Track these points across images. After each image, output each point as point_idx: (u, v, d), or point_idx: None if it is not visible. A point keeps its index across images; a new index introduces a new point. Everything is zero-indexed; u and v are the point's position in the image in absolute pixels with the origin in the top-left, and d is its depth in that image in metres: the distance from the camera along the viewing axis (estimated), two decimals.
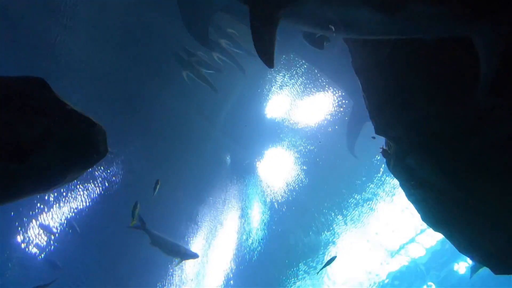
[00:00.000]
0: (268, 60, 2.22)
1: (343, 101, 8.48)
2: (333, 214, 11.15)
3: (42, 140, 2.12)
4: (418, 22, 1.78)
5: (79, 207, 8.74)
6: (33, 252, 8.69)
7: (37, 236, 8.53)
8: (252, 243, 11.20)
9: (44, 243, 8.74)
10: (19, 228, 8.26)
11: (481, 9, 1.64)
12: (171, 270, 10.75)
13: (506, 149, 2.16)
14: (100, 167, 8.52)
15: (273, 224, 10.90)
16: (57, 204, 8.51)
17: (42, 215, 8.42)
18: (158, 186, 5.85)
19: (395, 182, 10.58)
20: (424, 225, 13.26)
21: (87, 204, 8.83)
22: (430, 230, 12.20)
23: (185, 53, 6.44)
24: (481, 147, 2.21)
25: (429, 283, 16.04)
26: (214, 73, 7.01)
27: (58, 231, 8.71)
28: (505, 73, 2.07)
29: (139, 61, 7.39)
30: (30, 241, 8.56)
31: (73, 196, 8.60)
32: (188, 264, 10.69)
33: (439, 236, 13.81)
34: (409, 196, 3.23)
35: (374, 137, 3.90)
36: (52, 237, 8.71)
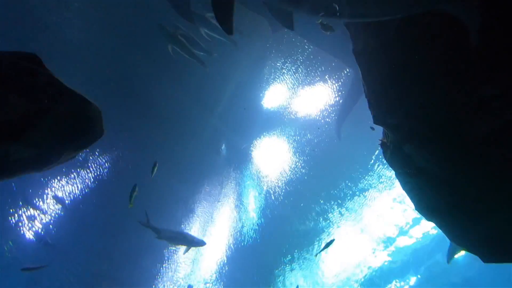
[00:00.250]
0: (227, 26, 2.26)
1: (343, 93, 8.48)
2: (328, 204, 11.29)
3: (36, 117, 2.06)
4: None
5: (75, 190, 8.70)
6: (28, 233, 8.69)
7: (32, 217, 8.51)
8: (247, 230, 11.32)
9: (39, 225, 8.74)
10: (12, 210, 8.23)
11: None
12: (167, 254, 10.85)
13: (503, 138, 2.17)
14: (97, 152, 8.44)
15: (269, 212, 11.00)
16: (52, 186, 8.46)
17: (37, 197, 8.38)
18: (156, 168, 5.84)
19: (390, 174, 10.79)
20: (415, 217, 13.63)
21: (83, 187, 8.79)
22: (421, 223, 12.49)
23: (171, 26, 6.16)
24: (479, 136, 2.22)
25: (418, 275, 16.53)
26: (208, 56, 6.84)
27: (53, 212, 8.69)
28: (502, 64, 2.07)
29: (135, 46, 7.24)
30: (24, 223, 8.54)
31: (69, 178, 8.55)
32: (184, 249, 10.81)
33: (428, 228, 14.19)
34: (405, 184, 3.25)
35: (373, 128, 3.91)
36: (44, 218, 8.69)
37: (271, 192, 10.67)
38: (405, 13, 2.02)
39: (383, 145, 3.56)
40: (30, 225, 8.63)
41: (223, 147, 10.10)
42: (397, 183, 11.04)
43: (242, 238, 11.43)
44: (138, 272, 10.62)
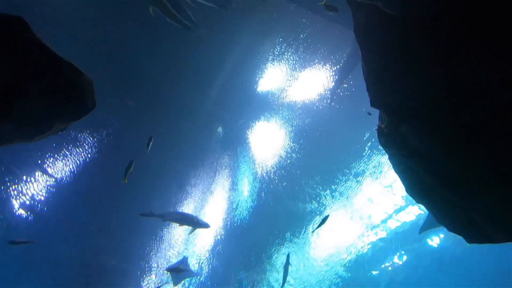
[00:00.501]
0: None
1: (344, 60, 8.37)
2: (321, 187, 11.50)
3: (26, 83, 1.98)
4: None
5: (67, 166, 8.63)
6: (19, 208, 8.66)
7: (21, 192, 8.45)
8: (241, 211, 11.50)
9: (30, 200, 8.70)
10: (8, 184, 8.16)
11: None
12: (161, 232, 11.01)
13: (500, 121, 2.19)
14: (88, 130, 8.30)
15: (263, 194, 11.15)
16: (44, 161, 8.36)
17: (28, 172, 8.30)
18: (151, 143, 5.80)
19: (383, 160, 10.98)
20: (403, 203, 14.06)
21: (76, 163, 8.71)
22: (408, 208, 12.86)
23: None
24: (476, 118, 2.24)
25: (402, 253, 17.32)
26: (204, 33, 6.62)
27: (45, 188, 8.65)
28: (502, 49, 2.06)
29: (129, 20, 6.97)
30: (14, 197, 8.50)
31: (61, 155, 8.44)
32: (180, 228, 10.97)
33: (415, 212, 14.65)
34: (398, 166, 3.30)
35: (369, 113, 3.92)
36: (36, 193, 8.65)
37: (266, 174, 10.78)
38: None
39: (379, 129, 3.58)
40: (21, 200, 8.58)
41: (218, 129, 10.04)
42: (387, 170, 11.34)
43: (236, 218, 11.63)
44: (134, 246, 10.79)
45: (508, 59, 2.14)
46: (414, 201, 4.09)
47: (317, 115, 9.30)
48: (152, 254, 11.15)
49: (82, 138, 8.42)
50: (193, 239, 11.32)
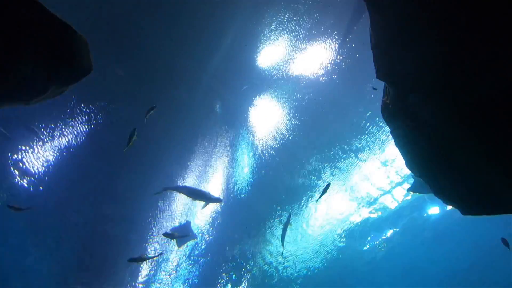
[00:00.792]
0: None
1: (344, 52, 8.25)
2: (320, 163, 11.67)
3: (16, 42, 1.91)
4: None
5: (76, 134, 8.66)
6: (25, 175, 8.80)
7: (22, 162, 8.54)
8: (240, 185, 11.71)
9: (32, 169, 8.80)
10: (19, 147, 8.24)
11: None
12: (164, 204, 11.29)
13: (509, 100, 2.18)
14: (92, 98, 8.22)
15: (262, 169, 11.30)
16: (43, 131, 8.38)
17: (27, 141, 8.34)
18: (152, 112, 5.76)
19: (384, 137, 11.03)
20: (399, 179, 14.37)
21: (75, 133, 8.73)
22: (405, 184, 13.16)
23: None
24: (485, 93, 2.21)
25: (394, 229, 18.05)
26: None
27: (46, 158, 8.73)
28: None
29: None
30: (22, 164, 8.61)
31: (59, 125, 8.44)
32: (179, 201, 11.25)
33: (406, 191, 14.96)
34: (400, 140, 3.33)
35: (375, 88, 3.89)
36: (36, 163, 8.75)
37: (265, 150, 10.85)
38: None
39: (383, 104, 3.57)
40: (24, 166, 8.68)
41: (217, 105, 9.94)
42: (385, 147, 11.45)
43: (235, 192, 11.86)
44: (137, 215, 11.11)
45: None
46: (414, 175, 4.20)
47: (318, 90, 9.21)
48: (155, 224, 11.49)
49: (83, 107, 8.36)
50: (195, 211, 11.61)
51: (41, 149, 8.57)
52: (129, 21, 7.27)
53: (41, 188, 9.13)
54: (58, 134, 8.50)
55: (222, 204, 8.74)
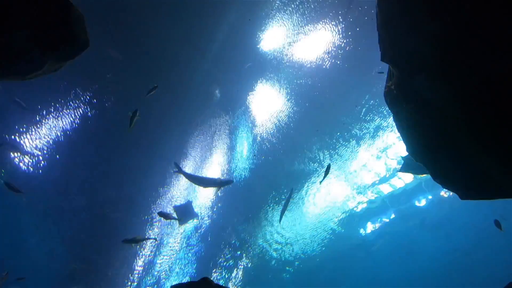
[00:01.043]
0: None
1: (346, 39, 8.12)
2: (320, 150, 11.73)
3: (12, 15, 1.86)
4: None
5: (71, 115, 8.60)
6: (25, 157, 8.80)
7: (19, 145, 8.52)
8: (240, 171, 11.77)
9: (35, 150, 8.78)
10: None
11: None
12: (164, 188, 11.38)
13: None
14: (91, 80, 8.11)
15: (262, 155, 11.34)
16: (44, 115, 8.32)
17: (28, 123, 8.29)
18: (153, 92, 5.71)
19: (385, 124, 11.05)
20: (395, 168, 14.54)
21: (77, 116, 8.68)
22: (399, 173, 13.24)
23: None
24: (492, 74, 2.19)
25: (391, 216, 18.46)
26: None
27: (46, 140, 8.71)
28: None
29: None
30: (24, 146, 8.59)
31: (70, 103, 8.37)
32: (180, 184, 11.34)
33: (405, 179, 15.28)
34: (404, 122, 3.31)
35: (382, 72, 3.86)
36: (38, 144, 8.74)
37: (265, 135, 10.85)
38: None
39: (387, 89, 3.55)
40: (26, 149, 8.67)
41: (216, 90, 9.84)
42: (385, 135, 11.49)
43: (234, 177, 11.93)
44: (138, 199, 11.21)
45: None
46: (414, 160, 4.23)
47: (320, 76, 9.13)
48: (155, 207, 11.61)
49: (81, 90, 8.27)
50: (195, 195, 11.71)
51: (39, 131, 8.53)
52: (127, 5, 7.09)
53: (40, 171, 9.14)
54: (56, 116, 8.44)
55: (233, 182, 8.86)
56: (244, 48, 8.55)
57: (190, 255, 14.86)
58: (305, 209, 14.42)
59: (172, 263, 14.82)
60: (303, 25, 8.00)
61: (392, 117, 3.75)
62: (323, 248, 18.35)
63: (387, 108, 10.50)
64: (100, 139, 9.27)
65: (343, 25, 7.89)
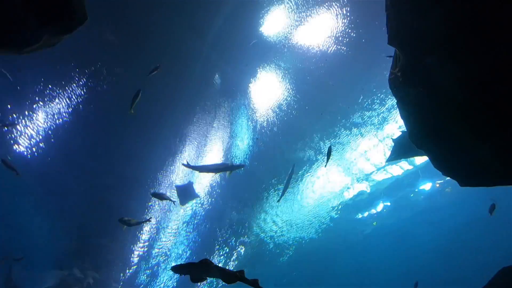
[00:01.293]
0: None
1: (349, 27, 7.99)
2: (320, 137, 11.76)
3: None
4: None
5: (70, 99, 8.51)
6: (28, 141, 8.77)
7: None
8: (240, 159, 11.79)
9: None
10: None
11: None
12: (164, 175, 11.42)
13: None
14: (88, 66, 7.98)
15: (262, 142, 11.34)
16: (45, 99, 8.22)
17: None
18: (155, 72, 5.65)
19: (383, 114, 11.03)
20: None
21: (76, 100, 8.59)
22: (397, 163, 13.42)
23: None
24: (507, 59, 2.16)
25: (386, 203, 18.78)
26: None
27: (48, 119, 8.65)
28: None
29: None
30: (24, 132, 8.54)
31: (69, 90, 8.27)
32: (180, 172, 11.39)
33: (403, 166, 15.47)
34: (409, 106, 3.29)
35: (390, 56, 3.81)
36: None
37: (265, 122, 10.82)
38: None
39: (393, 75, 3.52)
40: (28, 134, 8.62)
41: (216, 77, 9.72)
42: (385, 125, 11.50)
43: (233, 163, 11.96)
44: (138, 185, 11.26)
45: None
46: (416, 146, 4.27)
47: (322, 61, 9.01)
48: (155, 190, 11.66)
49: (78, 72, 8.13)
50: (194, 180, 11.76)
51: (36, 115, 8.44)
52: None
53: (36, 154, 9.10)
54: (52, 99, 8.33)
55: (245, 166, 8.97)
56: (245, 33, 8.39)
57: (189, 239, 15.11)
58: (304, 194, 14.61)
59: (171, 246, 15.08)
60: (306, 8, 7.84)
61: (396, 106, 3.73)
62: (320, 235, 18.73)
63: (388, 97, 10.49)
64: (98, 123, 9.20)
65: (348, 8, 7.73)
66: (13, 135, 8.52)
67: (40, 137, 8.87)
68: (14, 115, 8.26)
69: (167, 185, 11.79)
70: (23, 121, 8.38)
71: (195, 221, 14.19)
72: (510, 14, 2.06)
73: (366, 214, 19.33)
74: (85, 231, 12.22)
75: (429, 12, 2.35)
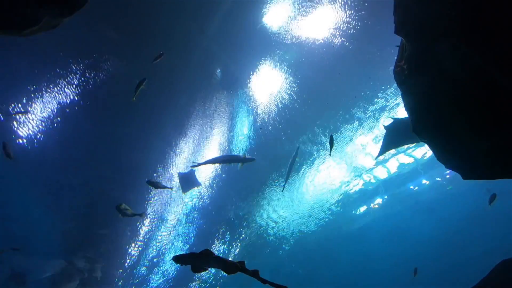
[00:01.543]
0: None
1: (353, 19, 7.86)
2: (321, 131, 11.72)
3: None
4: None
5: (68, 90, 8.43)
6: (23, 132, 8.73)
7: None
8: (240, 152, 11.76)
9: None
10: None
11: None
12: (163, 166, 11.42)
13: None
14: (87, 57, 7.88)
15: (262, 136, 11.31)
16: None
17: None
18: (159, 59, 5.59)
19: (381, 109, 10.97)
20: (392, 153, 14.73)
21: (74, 92, 8.51)
22: (397, 157, 13.54)
23: None
24: None
25: (385, 196, 18.90)
26: None
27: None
28: None
29: None
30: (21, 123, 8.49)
31: (71, 80, 8.19)
32: (182, 166, 11.41)
33: (402, 161, 15.55)
34: (416, 96, 3.23)
35: (398, 46, 3.73)
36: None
37: (266, 115, 10.77)
38: None
39: (399, 68, 3.46)
40: (24, 126, 8.57)
41: (217, 69, 9.62)
42: (384, 118, 11.45)
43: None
44: (137, 177, 11.26)
45: None
46: (419, 138, 4.22)
47: (325, 55, 8.91)
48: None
49: (77, 64, 8.04)
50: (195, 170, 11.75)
51: (36, 102, 8.37)
52: None
53: (35, 145, 9.06)
54: (51, 89, 8.26)
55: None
56: (247, 24, 8.26)
57: (189, 231, 15.20)
58: (304, 187, 14.66)
59: (172, 238, 15.18)
60: (311, 7, 7.71)
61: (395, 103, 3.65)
62: (319, 229, 18.86)
63: (390, 91, 10.42)
64: (97, 115, 9.14)
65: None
66: (13, 125, 8.47)
67: (39, 128, 8.83)
68: (12, 105, 8.20)
69: (167, 178, 11.79)
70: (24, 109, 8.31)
71: (195, 214, 14.25)
72: None
73: (365, 208, 19.44)
74: (85, 222, 12.28)
75: None
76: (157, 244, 15.09)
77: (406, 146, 12.67)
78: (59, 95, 8.44)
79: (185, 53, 8.52)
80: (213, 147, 11.56)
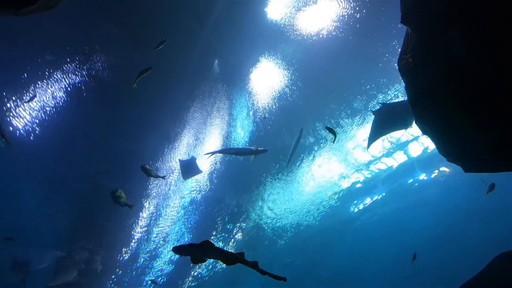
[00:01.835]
0: None
1: (355, 13, 7.73)
2: (320, 126, 11.69)
3: None
4: None
5: (66, 84, 8.34)
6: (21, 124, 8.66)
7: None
8: (239, 145, 11.72)
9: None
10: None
11: None
12: (162, 160, 11.39)
13: None
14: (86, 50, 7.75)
15: (262, 131, 11.27)
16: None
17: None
18: (162, 46, 5.52)
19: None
20: (389, 147, 14.80)
21: (71, 86, 8.41)
22: (394, 154, 13.59)
23: None
24: None
25: (382, 193, 19.04)
26: None
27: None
28: None
29: None
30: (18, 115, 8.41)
31: (72, 75, 8.09)
32: (182, 155, 11.36)
33: (400, 157, 15.63)
34: (419, 91, 3.18)
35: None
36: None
37: (265, 109, 10.71)
38: None
39: (404, 60, 3.40)
40: (21, 118, 8.49)
41: (216, 63, 9.50)
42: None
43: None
44: (135, 171, 11.24)
45: None
46: (421, 132, 4.19)
47: (326, 49, 8.80)
48: (152, 179, 11.66)
49: (75, 57, 7.93)
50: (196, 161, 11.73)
51: (33, 94, 8.26)
52: None
53: (31, 137, 8.99)
54: (48, 82, 8.15)
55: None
56: (246, 17, 8.12)
57: (187, 223, 15.27)
58: (303, 182, 14.70)
59: (169, 231, 15.25)
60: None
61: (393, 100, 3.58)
62: (317, 223, 18.99)
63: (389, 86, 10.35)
64: (95, 106, 9.05)
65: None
66: (10, 114, 8.38)
67: (38, 119, 8.75)
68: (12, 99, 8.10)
69: (164, 170, 11.78)
70: (14, 104, 8.21)
71: (194, 206, 14.29)
72: None
73: (363, 203, 19.56)
74: (84, 213, 12.29)
75: None
76: (156, 234, 15.18)
77: (393, 133, 12.60)
78: (57, 86, 8.34)
79: (183, 48, 8.41)
80: (213, 141, 11.53)
